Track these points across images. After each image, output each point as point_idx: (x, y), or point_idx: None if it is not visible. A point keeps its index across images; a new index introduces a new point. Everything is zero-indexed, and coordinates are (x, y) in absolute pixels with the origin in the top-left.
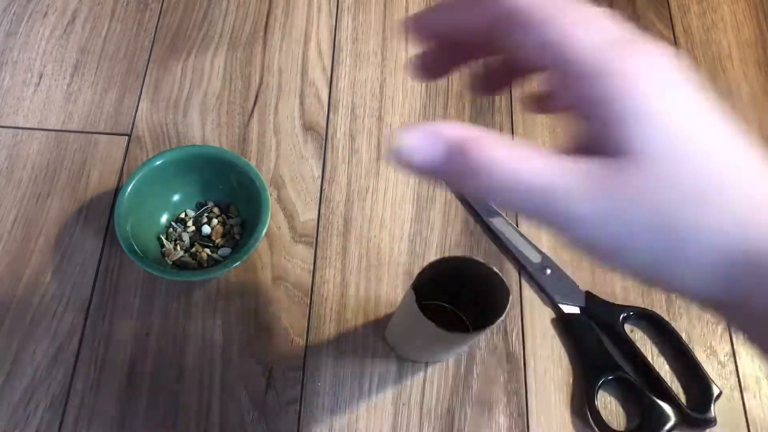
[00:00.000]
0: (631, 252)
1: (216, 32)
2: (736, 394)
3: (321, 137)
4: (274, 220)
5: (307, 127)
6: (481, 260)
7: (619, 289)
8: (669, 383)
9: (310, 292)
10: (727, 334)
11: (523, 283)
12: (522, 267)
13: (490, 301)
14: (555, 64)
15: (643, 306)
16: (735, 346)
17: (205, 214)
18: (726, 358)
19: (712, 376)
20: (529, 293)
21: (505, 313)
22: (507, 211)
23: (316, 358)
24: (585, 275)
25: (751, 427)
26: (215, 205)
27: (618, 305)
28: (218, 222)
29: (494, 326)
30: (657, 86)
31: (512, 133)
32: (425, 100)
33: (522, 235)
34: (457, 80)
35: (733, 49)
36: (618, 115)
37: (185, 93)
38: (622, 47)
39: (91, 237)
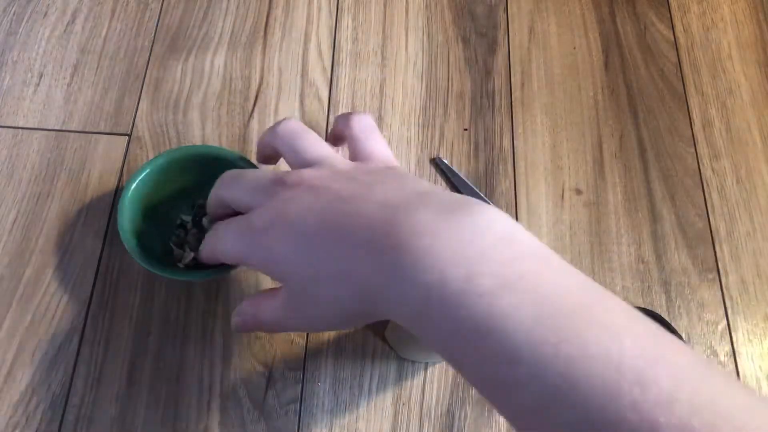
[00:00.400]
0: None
1: (216, 32)
2: None
3: (321, 137)
4: None
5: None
6: None
7: (620, 289)
8: None
9: None
10: (727, 334)
11: None
12: None
13: None
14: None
15: (643, 306)
16: (735, 346)
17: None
18: (726, 358)
19: None
20: None
21: None
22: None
23: (316, 358)
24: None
25: None
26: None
27: None
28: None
29: None
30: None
31: (512, 132)
32: (425, 101)
33: None
34: (458, 81)
35: (733, 49)
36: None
37: (185, 93)
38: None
39: (91, 237)
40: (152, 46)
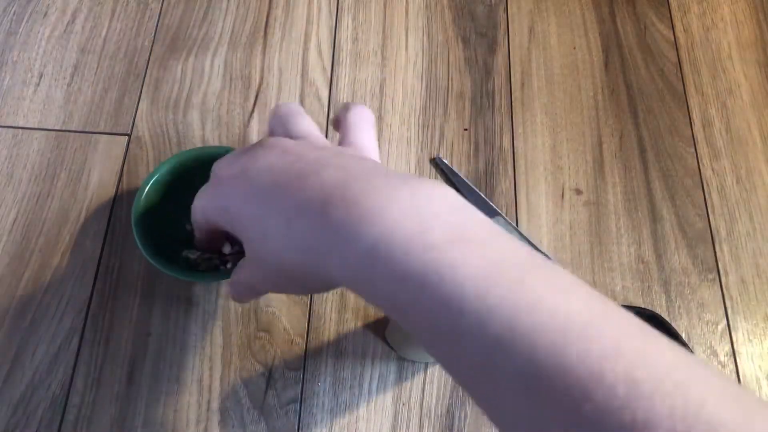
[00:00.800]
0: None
1: (216, 32)
2: None
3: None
4: None
5: None
6: None
7: (620, 289)
8: None
9: None
10: (727, 334)
11: None
12: None
13: None
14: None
15: (643, 306)
16: (735, 346)
17: None
18: (726, 358)
19: None
20: None
21: None
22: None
23: (316, 358)
24: (585, 275)
25: None
26: None
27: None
28: None
29: None
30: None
31: (512, 132)
32: (425, 101)
33: (522, 235)
34: (458, 81)
35: (733, 49)
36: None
37: (185, 93)
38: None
39: (91, 237)
40: (152, 46)
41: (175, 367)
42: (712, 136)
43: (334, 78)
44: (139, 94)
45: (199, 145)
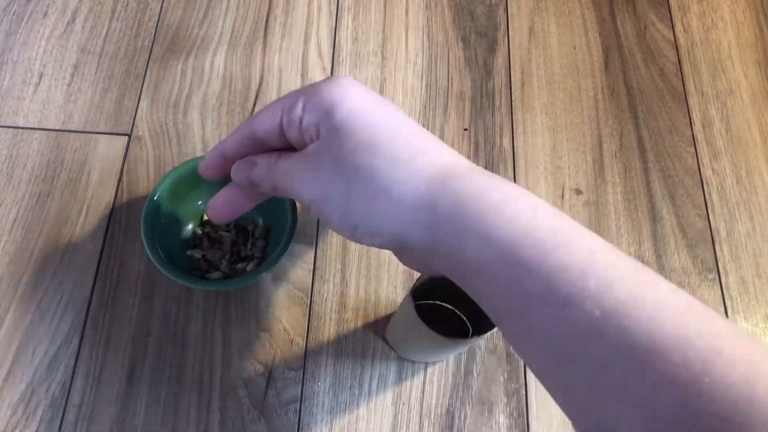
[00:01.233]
0: (334, 200)
1: (216, 32)
2: None
3: None
4: None
5: None
6: None
7: None
8: None
9: (310, 292)
10: None
11: None
12: None
13: None
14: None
15: None
16: None
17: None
18: None
19: None
20: None
21: None
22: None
23: (316, 358)
24: None
25: None
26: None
27: None
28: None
29: (494, 330)
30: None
31: (512, 132)
32: (425, 101)
33: None
34: (458, 80)
35: (733, 49)
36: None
37: (185, 93)
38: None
39: (91, 237)
40: (152, 46)
41: (175, 367)
42: (712, 136)
43: None
44: (139, 94)
45: (199, 145)
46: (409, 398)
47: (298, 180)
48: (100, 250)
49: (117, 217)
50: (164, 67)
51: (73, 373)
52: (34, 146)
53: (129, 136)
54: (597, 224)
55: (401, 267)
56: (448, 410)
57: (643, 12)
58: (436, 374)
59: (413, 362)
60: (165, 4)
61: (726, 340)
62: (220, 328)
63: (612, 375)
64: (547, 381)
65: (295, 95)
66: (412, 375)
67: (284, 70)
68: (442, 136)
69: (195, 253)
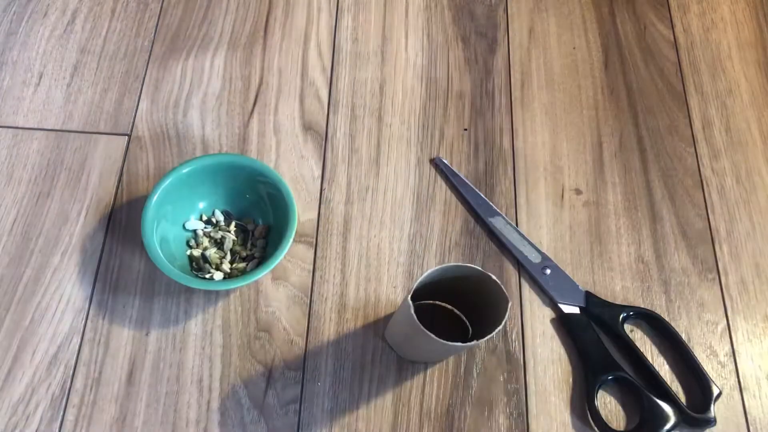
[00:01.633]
0: None
1: (216, 32)
2: (736, 394)
3: (321, 137)
4: None
5: (307, 127)
6: (479, 268)
7: (619, 289)
8: (669, 383)
9: (310, 292)
10: (727, 334)
11: (523, 282)
12: (522, 267)
13: (489, 302)
14: None
15: (643, 306)
16: (735, 346)
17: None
18: (726, 358)
19: (711, 376)
20: (529, 293)
21: (503, 322)
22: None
23: (316, 358)
24: (585, 275)
25: (750, 427)
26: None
27: (618, 305)
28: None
29: (494, 333)
30: None
31: (512, 132)
32: (425, 101)
33: (522, 235)
34: (458, 81)
35: (733, 49)
36: None
37: (185, 93)
38: None
39: (91, 237)
40: (152, 46)
41: (175, 367)
42: (712, 136)
43: (334, 78)
44: (139, 94)
45: (199, 145)
46: (409, 398)
47: None
48: (100, 250)
49: (117, 217)
50: (164, 67)
51: (73, 373)
52: (34, 146)
53: (129, 136)
54: (597, 224)
55: (401, 267)
56: (447, 410)
57: (642, 12)
58: (436, 374)
59: (413, 362)
60: (165, 4)
61: None
62: (220, 328)
63: None
64: None
65: None
66: (412, 375)
67: (284, 70)
68: (442, 136)
69: (195, 253)
